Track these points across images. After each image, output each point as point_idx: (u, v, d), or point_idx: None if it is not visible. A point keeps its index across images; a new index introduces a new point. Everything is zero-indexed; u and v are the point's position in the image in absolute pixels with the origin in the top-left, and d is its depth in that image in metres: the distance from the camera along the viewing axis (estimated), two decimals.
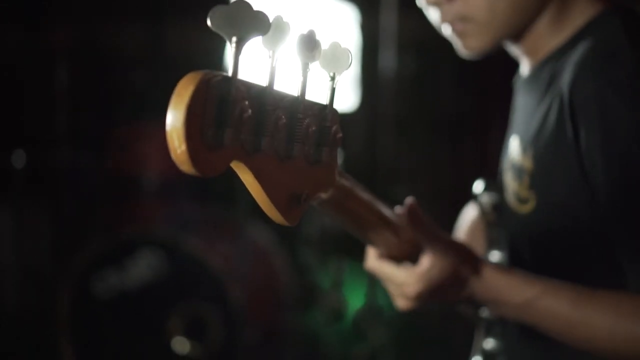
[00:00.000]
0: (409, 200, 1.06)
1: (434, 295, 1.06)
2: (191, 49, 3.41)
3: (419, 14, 1.27)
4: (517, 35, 1.20)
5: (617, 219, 1.02)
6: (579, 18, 1.15)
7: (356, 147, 3.74)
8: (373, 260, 1.07)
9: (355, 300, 2.77)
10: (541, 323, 1.07)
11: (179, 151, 0.59)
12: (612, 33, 1.08)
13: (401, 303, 1.08)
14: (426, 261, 1.03)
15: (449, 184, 4.04)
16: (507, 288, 1.06)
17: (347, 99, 2.44)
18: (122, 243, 2.86)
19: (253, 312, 2.86)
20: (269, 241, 3.19)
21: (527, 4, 1.15)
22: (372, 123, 3.60)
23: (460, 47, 1.21)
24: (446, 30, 1.20)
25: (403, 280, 1.04)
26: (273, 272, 3.15)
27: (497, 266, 1.10)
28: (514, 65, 1.32)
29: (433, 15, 1.20)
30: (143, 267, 2.83)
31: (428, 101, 3.88)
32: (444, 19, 1.18)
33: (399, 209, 1.04)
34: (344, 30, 2.42)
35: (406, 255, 1.05)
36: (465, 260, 1.07)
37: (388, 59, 3.20)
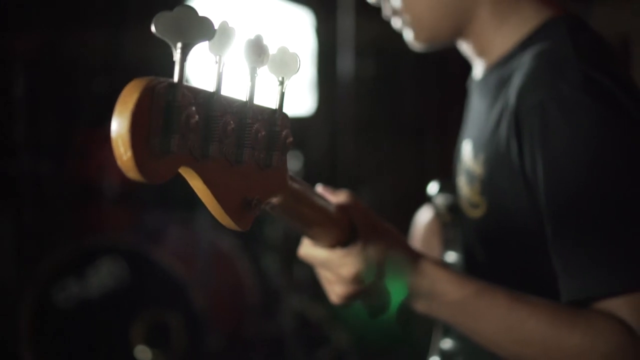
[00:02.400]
0: (320, 187, 1.03)
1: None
2: (150, 55, 3.39)
3: (376, 16, 1.31)
4: (462, 34, 1.23)
5: (552, 229, 1.02)
6: (527, 23, 1.17)
7: (317, 150, 3.74)
8: (307, 247, 1.02)
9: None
10: (475, 323, 1.03)
11: (124, 158, 0.58)
12: (559, 43, 1.09)
13: (337, 290, 1.02)
14: (361, 240, 0.99)
15: (410, 185, 4.06)
16: (443, 282, 1.02)
17: (306, 103, 2.44)
18: (83, 252, 2.83)
19: (217, 318, 2.85)
20: (232, 246, 3.18)
21: (449, 5, 1.19)
22: (331, 126, 3.61)
23: (409, 40, 1.25)
24: (395, 24, 1.25)
25: (338, 261, 0.99)
26: (237, 278, 3.14)
27: (434, 259, 1.07)
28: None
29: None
30: (105, 275, 2.80)
31: (388, 103, 3.90)
32: (385, 14, 1.25)
33: (331, 197, 1.02)
34: (300, 34, 2.43)
35: (344, 243, 1.00)
36: (403, 247, 1.04)
37: (346, 62, 3.21)
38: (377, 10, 1.30)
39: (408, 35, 1.25)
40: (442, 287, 1.02)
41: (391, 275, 1.02)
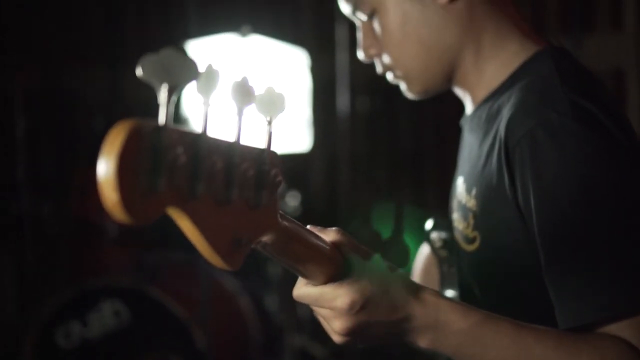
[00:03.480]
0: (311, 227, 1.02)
1: (369, 313, 0.96)
2: (150, 94, 3.41)
3: None
4: (452, 78, 1.26)
5: (547, 257, 1.03)
6: (514, 59, 1.20)
7: (314, 187, 3.76)
8: (300, 286, 0.98)
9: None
10: (482, 353, 1.00)
11: (111, 201, 0.59)
12: (545, 73, 1.12)
13: (336, 326, 0.97)
14: (355, 272, 0.95)
15: (409, 221, 4.06)
16: (448, 311, 0.98)
17: (303, 140, 2.46)
18: (84, 292, 2.83)
19: (219, 357, 2.84)
20: (233, 285, 3.18)
21: (435, 56, 1.23)
22: (329, 162, 3.62)
23: (403, 91, 1.30)
24: (389, 78, 1.30)
25: (331, 294, 0.94)
26: (239, 316, 3.13)
27: (436, 291, 1.03)
28: None
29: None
30: (107, 316, 2.80)
31: (385, 140, 3.92)
32: (379, 70, 1.30)
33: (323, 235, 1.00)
34: (296, 72, 2.47)
35: (337, 278, 0.96)
36: (401, 278, 1.00)
37: (342, 99, 3.25)
38: None
39: (402, 87, 1.30)
40: (447, 316, 0.98)
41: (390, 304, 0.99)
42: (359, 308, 0.94)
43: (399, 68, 1.26)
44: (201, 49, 2.39)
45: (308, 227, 0.95)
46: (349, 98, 3.26)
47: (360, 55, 1.31)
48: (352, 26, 3.16)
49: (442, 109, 3.60)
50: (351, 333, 0.96)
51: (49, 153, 3.62)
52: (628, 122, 1.08)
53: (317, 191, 3.87)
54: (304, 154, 3.03)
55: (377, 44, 1.27)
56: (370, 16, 1.26)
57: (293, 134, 2.42)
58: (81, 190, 3.12)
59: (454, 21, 1.21)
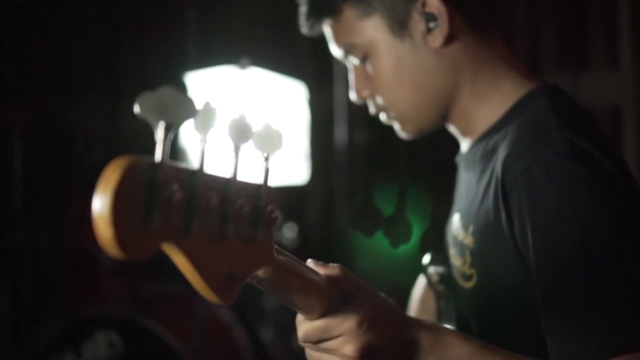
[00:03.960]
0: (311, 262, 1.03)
1: (377, 332, 0.95)
2: (148, 127, 3.43)
3: None
4: (447, 118, 1.27)
5: (544, 296, 1.03)
6: (509, 98, 1.21)
7: (311, 220, 3.76)
8: (303, 324, 0.97)
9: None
10: None
11: (105, 237, 0.59)
12: (541, 112, 1.12)
13: (349, 349, 0.94)
14: (357, 300, 0.95)
15: (407, 255, 4.05)
16: (449, 336, 0.98)
17: (300, 172, 2.48)
18: (79, 323, 2.82)
19: None
20: (228, 317, 3.17)
21: (429, 98, 1.24)
22: (326, 195, 3.63)
23: (397, 131, 1.31)
24: (382, 118, 1.31)
25: (340, 319, 0.93)
26: (234, 348, 3.12)
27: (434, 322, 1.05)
28: None
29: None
30: (101, 347, 2.78)
31: (382, 172, 3.93)
32: (372, 112, 1.30)
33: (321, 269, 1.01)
34: (294, 105, 2.48)
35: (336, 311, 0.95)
36: (400, 311, 1.00)
37: (340, 132, 3.26)
38: None
39: (396, 127, 1.30)
40: (449, 340, 0.98)
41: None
42: (367, 326, 0.94)
43: (392, 110, 1.27)
44: (200, 81, 2.41)
45: (309, 261, 0.96)
46: (347, 131, 3.27)
47: (353, 97, 1.31)
48: None
49: (438, 144, 3.62)
50: (365, 353, 0.94)
51: (45, 183, 3.62)
52: (623, 160, 1.09)
53: (314, 223, 3.87)
54: (301, 186, 3.05)
55: (370, 85, 1.27)
56: (363, 60, 1.26)
57: (290, 166, 2.43)
58: (77, 220, 3.12)
59: (448, 64, 1.22)
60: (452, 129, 1.30)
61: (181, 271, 0.70)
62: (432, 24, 1.20)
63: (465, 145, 1.30)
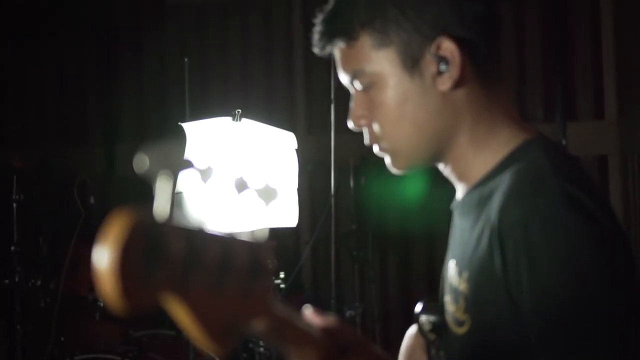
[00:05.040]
0: (307, 311, 1.03)
1: None
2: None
3: (359, 136, 1.37)
4: (442, 159, 1.28)
5: (538, 345, 1.04)
6: (505, 147, 1.22)
7: (300, 265, 3.76)
8: None
9: None
10: None
11: (111, 291, 0.61)
12: (536, 161, 1.15)
13: None
14: (351, 354, 0.98)
15: (397, 301, 4.05)
16: None
17: (289, 217, 2.50)
18: None
19: None
20: None
21: (427, 137, 1.24)
22: (315, 240, 3.64)
23: (388, 165, 1.30)
24: (375, 150, 1.30)
25: None
26: None
27: None
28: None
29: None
30: None
31: (372, 217, 3.94)
32: (367, 142, 1.29)
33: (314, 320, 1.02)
34: (285, 153, 2.52)
35: None
36: None
37: (327, 177, 3.30)
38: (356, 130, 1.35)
39: (387, 160, 1.30)
40: None
41: None
42: None
43: (389, 143, 1.26)
44: (195, 131, 2.45)
45: (308, 311, 0.98)
46: (335, 178, 3.31)
47: (350, 124, 1.30)
48: (339, 108, 3.26)
49: (429, 189, 3.66)
50: None
51: (41, 228, 3.63)
52: (611, 208, 1.12)
53: (303, 269, 3.88)
54: (290, 231, 3.07)
55: (369, 115, 1.26)
56: (367, 88, 1.25)
57: (280, 211, 2.46)
58: (73, 266, 3.13)
59: (452, 108, 1.23)
60: (448, 173, 1.30)
61: (179, 323, 0.72)
62: (442, 67, 1.20)
63: (460, 191, 1.32)
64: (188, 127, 2.45)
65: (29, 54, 4.45)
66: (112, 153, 4.40)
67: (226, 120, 2.47)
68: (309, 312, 1.01)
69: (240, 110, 2.47)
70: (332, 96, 3.26)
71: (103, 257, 0.61)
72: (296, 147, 2.59)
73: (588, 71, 3.79)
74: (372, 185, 3.83)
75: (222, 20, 4.33)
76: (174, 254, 0.66)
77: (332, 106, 3.26)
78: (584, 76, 3.79)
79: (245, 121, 2.48)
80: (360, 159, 3.74)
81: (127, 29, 4.47)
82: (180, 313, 0.70)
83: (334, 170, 3.27)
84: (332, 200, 3.30)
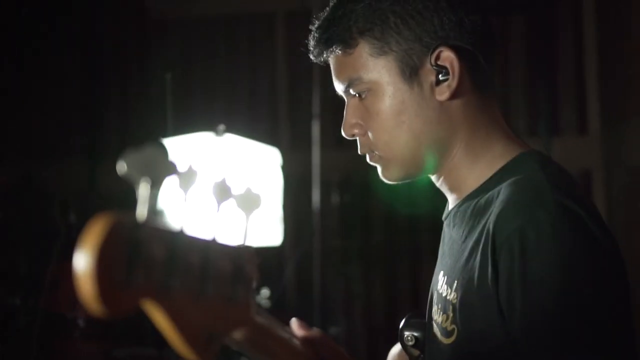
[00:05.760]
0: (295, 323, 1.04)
1: None
2: (124, 188, 3.44)
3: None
4: (433, 172, 1.27)
5: (527, 353, 1.04)
6: (499, 160, 1.23)
7: (284, 282, 3.76)
8: None
9: None
10: None
11: (88, 292, 0.60)
12: (532, 173, 1.15)
13: None
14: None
15: (382, 316, 4.04)
16: None
17: (273, 235, 2.49)
18: None
19: None
20: None
21: (423, 147, 1.24)
22: (299, 257, 3.64)
23: (380, 175, 1.29)
24: (367, 159, 1.29)
25: None
26: None
27: None
28: (444, 196, 1.36)
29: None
30: None
31: (357, 234, 3.94)
32: (360, 151, 1.28)
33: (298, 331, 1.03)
34: (269, 169, 2.51)
35: None
36: None
37: (314, 195, 3.29)
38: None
39: (380, 170, 1.29)
40: None
41: None
42: None
43: (382, 151, 1.25)
44: (177, 146, 2.43)
45: (293, 320, 0.97)
46: (321, 194, 3.30)
47: (343, 132, 1.29)
48: (324, 124, 3.26)
49: (413, 206, 3.66)
50: None
51: (21, 245, 3.60)
52: (603, 221, 1.12)
53: (287, 285, 3.86)
54: (274, 248, 3.06)
55: (363, 123, 1.26)
56: (363, 96, 1.25)
57: (264, 228, 2.44)
58: (52, 283, 3.10)
59: (448, 118, 1.23)
60: (440, 183, 1.30)
61: (160, 329, 0.70)
62: (441, 77, 1.21)
63: (451, 202, 1.31)
64: (169, 142, 2.44)
65: (10, 69, 4.43)
66: (94, 169, 4.38)
67: (209, 135, 2.46)
68: (295, 323, 1.00)
69: (223, 126, 2.46)
70: (315, 111, 3.27)
71: (81, 260, 0.61)
72: (281, 163, 2.59)
73: (571, 86, 3.82)
74: (356, 200, 3.83)
75: (205, 36, 4.33)
76: (154, 259, 0.65)
77: (315, 122, 3.26)
78: (568, 91, 3.82)
79: (229, 136, 2.47)
80: (344, 175, 3.74)
81: (110, 44, 4.46)
82: (161, 320, 0.69)
83: (319, 187, 3.26)
84: (316, 216, 3.30)
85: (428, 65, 1.21)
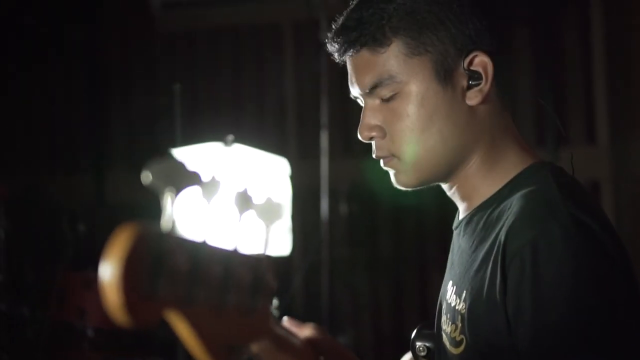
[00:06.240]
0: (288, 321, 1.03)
1: None
2: (131, 199, 3.46)
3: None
4: (448, 179, 1.26)
5: None
6: (512, 170, 1.22)
7: (293, 292, 3.76)
8: None
9: None
10: None
11: (114, 303, 0.61)
12: (545, 185, 1.14)
13: None
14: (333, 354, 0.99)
15: (391, 327, 4.04)
16: None
17: (282, 245, 2.49)
18: None
19: None
20: None
21: (449, 151, 1.22)
22: (308, 268, 3.63)
23: (393, 180, 1.27)
24: (381, 164, 1.27)
25: None
26: None
27: None
28: (452, 206, 1.35)
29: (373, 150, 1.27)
30: None
31: (365, 244, 3.94)
32: (377, 154, 1.25)
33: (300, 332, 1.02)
34: (278, 179, 2.52)
35: None
36: None
37: (322, 206, 3.29)
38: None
39: (394, 174, 1.26)
40: None
41: None
42: None
43: (407, 155, 1.22)
44: (186, 156, 2.44)
45: (284, 319, 0.97)
46: (329, 204, 3.30)
47: (360, 135, 1.25)
48: (332, 134, 3.27)
49: (421, 215, 3.66)
50: None
51: (29, 256, 3.61)
52: (615, 232, 1.12)
53: (295, 295, 3.86)
54: (283, 258, 3.06)
55: (383, 126, 1.23)
56: (390, 97, 1.22)
57: (274, 238, 2.44)
58: (60, 295, 3.10)
59: (475, 124, 1.22)
60: (453, 192, 1.29)
61: (182, 340, 0.71)
62: (472, 82, 1.20)
63: (462, 211, 1.31)
64: (178, 153, 2.44)
65: (17, 81, 4.44)
66: (101, 180, 4.39)
67: (218, 146, 2.46)
68: (289, 322, 1.01)
69: (232, 136, 2.46)
70: (323, 121, 3.27)
71: (107, 270, 0.61)
72: (289, 173, 2.59)
73: (580, 96, 3.82)
74: (364, 210, 3.83)
75: (213, 46, 4.34)
76: (178, 269, 0.66)
77: (323, 132, 3.27)
78: (576, 101, 3.82)
79: (237, 146, 2.48)
80: (352, 185, 3.74)
81: (117, 56, 4.47)
82: (183, 330, 0.70)
83: (327, 196, 3.27)
84: (324, 226, 3.30)
85: (461, 69, 1.20)
